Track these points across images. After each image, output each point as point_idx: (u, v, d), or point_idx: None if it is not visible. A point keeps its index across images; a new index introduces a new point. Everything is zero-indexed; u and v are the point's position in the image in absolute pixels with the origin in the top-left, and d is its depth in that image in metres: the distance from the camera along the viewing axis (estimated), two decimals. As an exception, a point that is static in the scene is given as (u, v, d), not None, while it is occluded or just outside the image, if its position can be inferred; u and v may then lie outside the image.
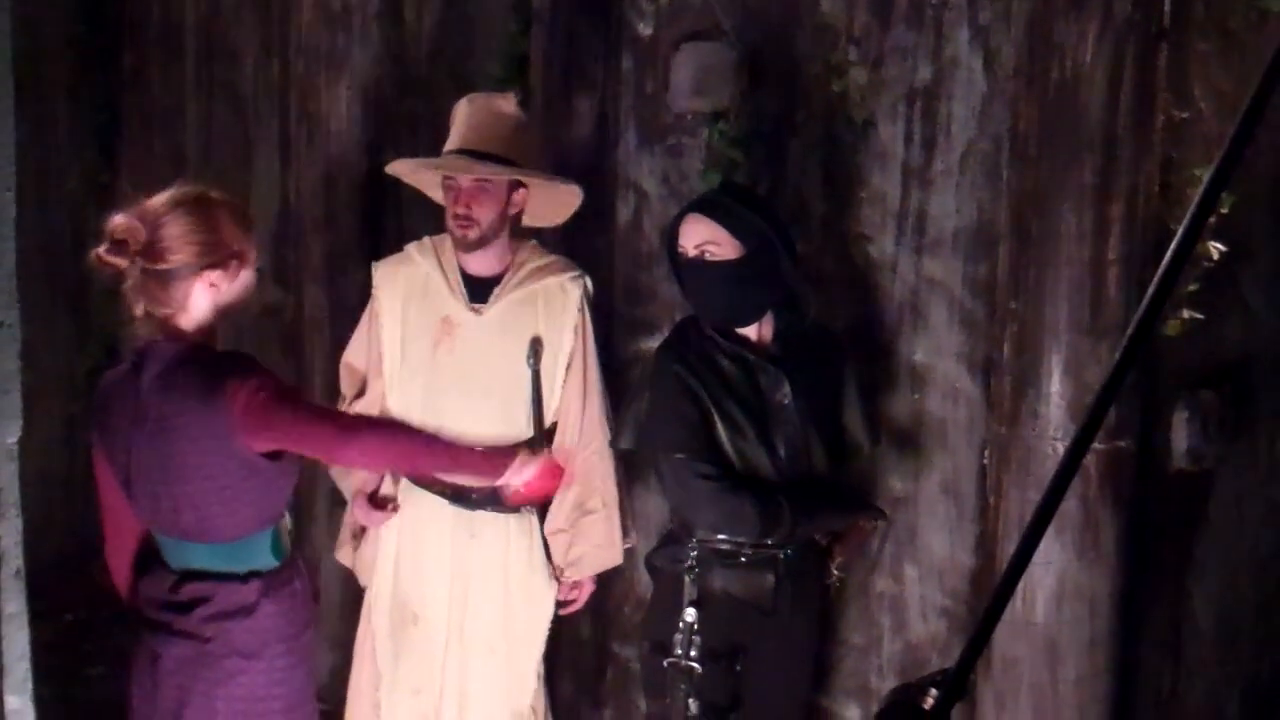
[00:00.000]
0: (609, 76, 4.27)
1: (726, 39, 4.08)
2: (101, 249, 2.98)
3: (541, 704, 3.90)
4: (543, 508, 3.84)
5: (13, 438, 2.12)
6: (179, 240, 2.99)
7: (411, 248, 3.80)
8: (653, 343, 4.25)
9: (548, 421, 3.78)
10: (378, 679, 3.84)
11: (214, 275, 3.03)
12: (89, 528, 5.56)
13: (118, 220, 3.00)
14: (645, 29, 4.21)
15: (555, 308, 3.75)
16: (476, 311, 3.70)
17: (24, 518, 2.84)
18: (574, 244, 4.24)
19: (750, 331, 3.51)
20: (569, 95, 4.30)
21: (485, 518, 3.74)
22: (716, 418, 3.42)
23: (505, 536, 3.77)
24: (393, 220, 4.79)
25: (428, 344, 3.72)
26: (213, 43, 5.38)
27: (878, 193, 3.92)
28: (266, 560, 3.17)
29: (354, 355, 3.86)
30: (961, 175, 3.79)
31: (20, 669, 2.15)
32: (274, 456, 3.05)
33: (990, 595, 1.81)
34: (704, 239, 3.42)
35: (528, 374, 3.71)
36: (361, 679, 3.89)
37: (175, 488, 3.05)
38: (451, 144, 3.67)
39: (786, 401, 3.46)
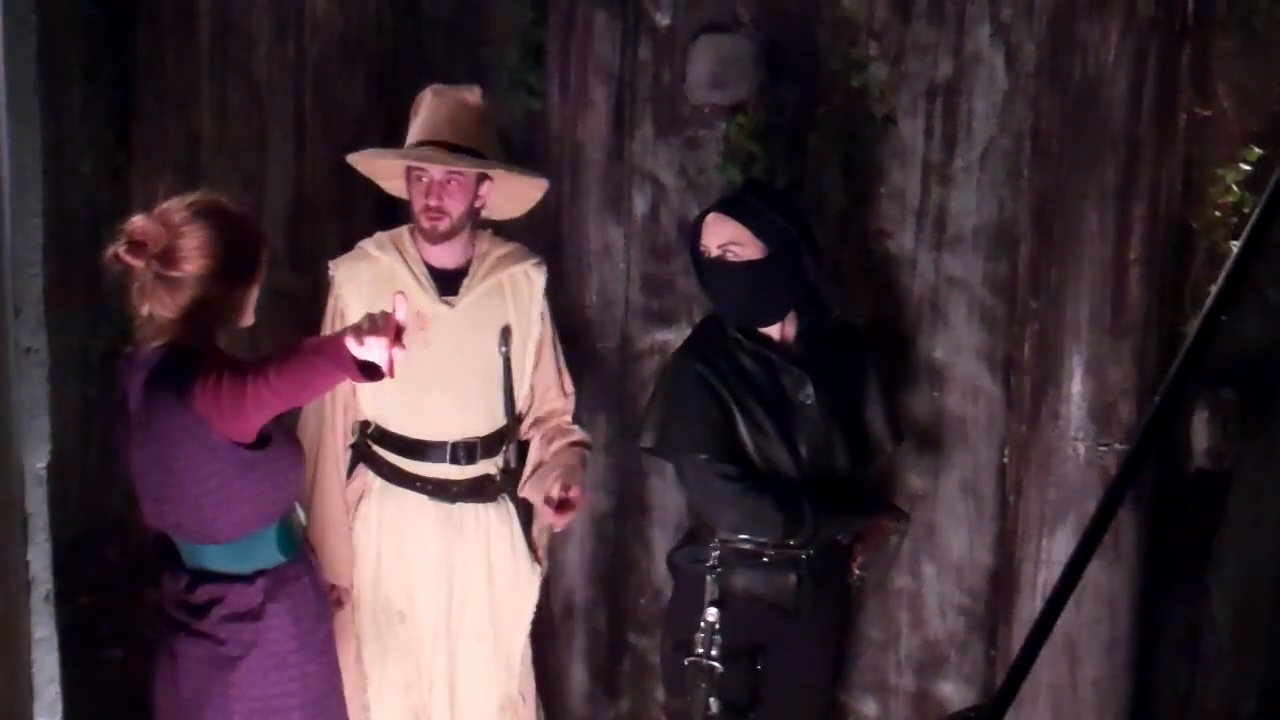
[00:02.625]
0: (626, 67, 4.24)
1: (745, 31, 4.05)
2: (120, 248, 2.96)
3: (530, 688, 3.92)
4: (516, 501, 3.84)
5: (41, 463, 2.12)
6: (196, 250, 2.98)
7: (368, 244, 3.74)
8: (669, 334, 4.25)
9: (518, 407, 3.78)
10: (364, 681, 3.81)
11: (224, 288, 3.03)
12: (105, 510, 5.62)
13: (138, 222, 2.99)
14: (663, 19, 4.18)
15: (522, 295, 3.75)
16: (449, 304, 3.66)
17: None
18: (588, 235, 4.24)
19: (773, 330, 3.50)
20: (585, 85, 4.28)
21: (466, 510, 3.73)
22: (738, 418, 3.42)
23: (486, 526, 3.77)
24: (405, 205, 4.77)
25: None
26: (227, 25, 5.34)
27: (897, 189, 3.92)
28: (273, 557, 3.16)
29: None
30: (982, 172, 3.79)
31: (50, 692, 2.16)
32: (260, 445, 3.02)
33: (1030, 630, 1.82)
34: (727, 239, 3.41)
35: (500, 362, 3.71)
36: (347, 684, 3.86)
37: (171, 491, 3.06)
38: (421, 135, 3.63)
39: (809, 401, 3.45)
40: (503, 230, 3.90)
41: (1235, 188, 3.47)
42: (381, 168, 3.79)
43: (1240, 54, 3.48)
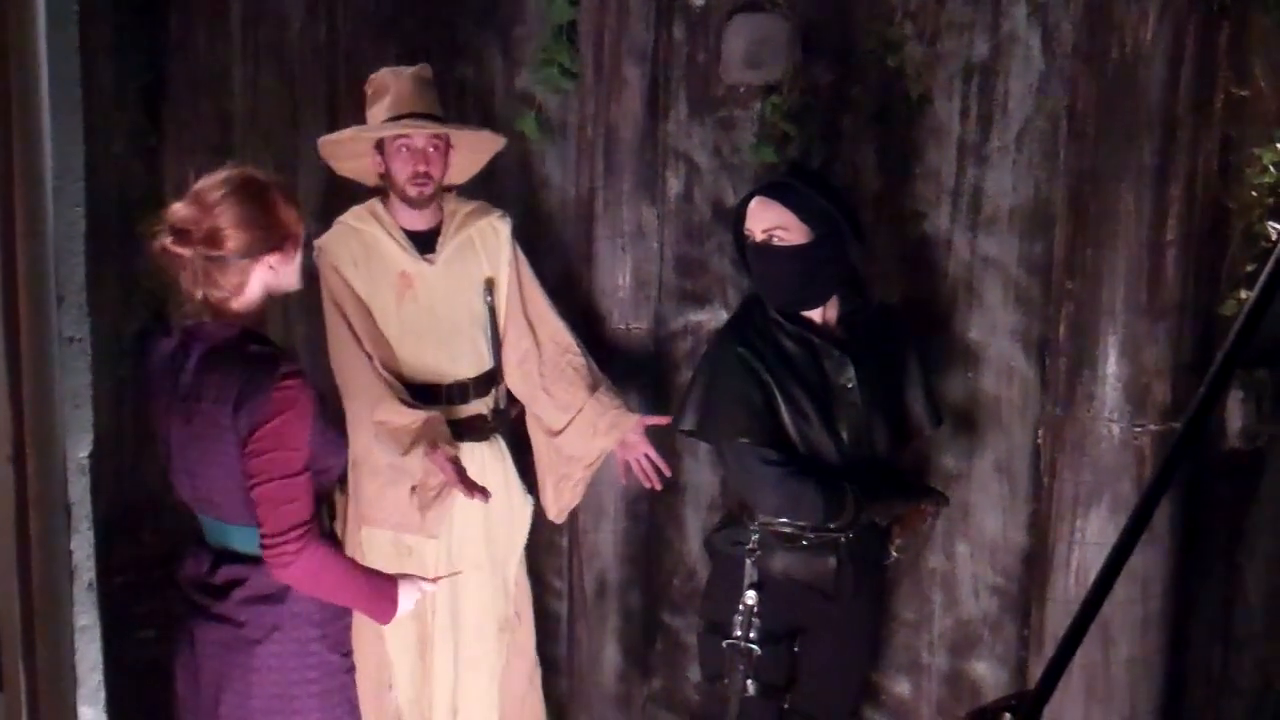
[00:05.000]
0: (660, 46, 4.24)
1: (780, 10, 4.05)
2: (166, 240, 2.99)
3: (526, 608, 4.24)
4: (512, 435, 4.12)
5: (84, 452, 2.13)
6: (237, 225, 3.01)
7: (348, 219, 4.00)
8: (702, 315, 4.26)
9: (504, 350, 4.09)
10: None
11: (273, 259, 3.07)
12: (140, 491, 5.66)
13: (178, 209, 3.01)
14: (697, -1, 4.18)
15: (491, 246, 4.07)
16: (430, 262, 3.97)
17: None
18: (622, 216, 4.24)
19: (815, 314, 3.51)
20: (619, 65, 4.27)
21: (462, 448, 3.88)
22: (780, 401, 3.42)
23: (481, 462, 3.99)
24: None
25: (390, 299, 3.94)
26: (259, 5, 5.36)
27: (932, 169, 3.91)
28: None
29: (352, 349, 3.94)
30: (1018, 153, 3.77)
31: (93, 680, 2.18)
32: None
33: (1074, 619, 1.82)
34: (772, 223, 3.41)
35: (484, 310, 4.02)
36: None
37: (206, 470, 3.08)
38: (396, 110, 3.88)
39: (850, 385, 3.46)
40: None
41: (1272, 168, 3.45)
42: (343, 150, 4.04)
43: (1277, 32, 3.45)
